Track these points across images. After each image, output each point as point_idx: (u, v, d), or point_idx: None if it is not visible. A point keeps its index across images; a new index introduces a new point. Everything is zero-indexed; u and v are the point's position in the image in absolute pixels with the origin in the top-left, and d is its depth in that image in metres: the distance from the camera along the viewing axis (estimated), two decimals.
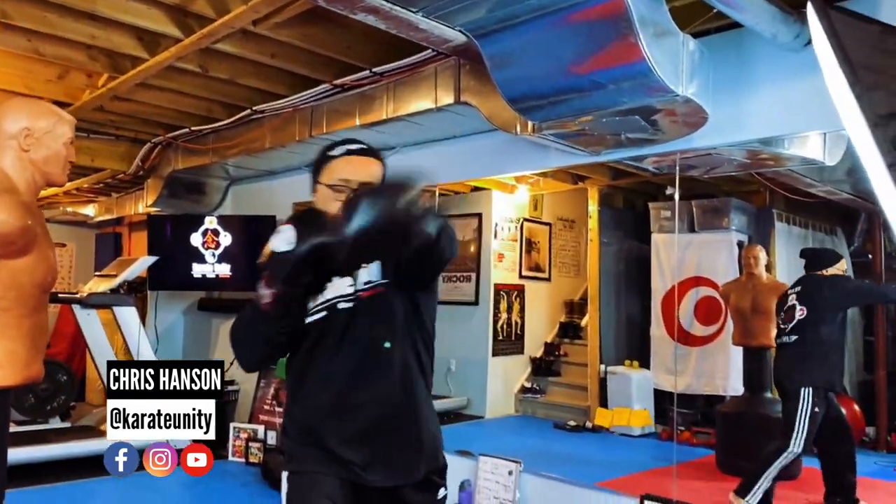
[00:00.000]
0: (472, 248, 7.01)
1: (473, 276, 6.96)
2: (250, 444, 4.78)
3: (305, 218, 1.58)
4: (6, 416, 1.78)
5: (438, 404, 6.70)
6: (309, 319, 1.59)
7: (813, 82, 2.37)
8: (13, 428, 4.99)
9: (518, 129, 3.12)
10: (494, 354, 6.84)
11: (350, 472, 1.56)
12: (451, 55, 3.15)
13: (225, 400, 5.36)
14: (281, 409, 4.91)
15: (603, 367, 5.98)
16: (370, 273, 1.62)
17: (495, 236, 6.93)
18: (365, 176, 1.59)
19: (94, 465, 4.47)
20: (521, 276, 7.17)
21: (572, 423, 5.73)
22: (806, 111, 2.73)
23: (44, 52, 3.58)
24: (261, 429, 4.88)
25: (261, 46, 3.50)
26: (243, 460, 4.78)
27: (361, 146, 1.67)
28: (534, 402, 6.91)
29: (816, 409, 3.33)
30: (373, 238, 1.35)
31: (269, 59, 3.60)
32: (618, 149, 3.27)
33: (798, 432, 3.33)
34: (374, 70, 3.62)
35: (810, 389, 3.34)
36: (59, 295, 4.86)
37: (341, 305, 1.59)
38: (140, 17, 3.21)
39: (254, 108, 4.32)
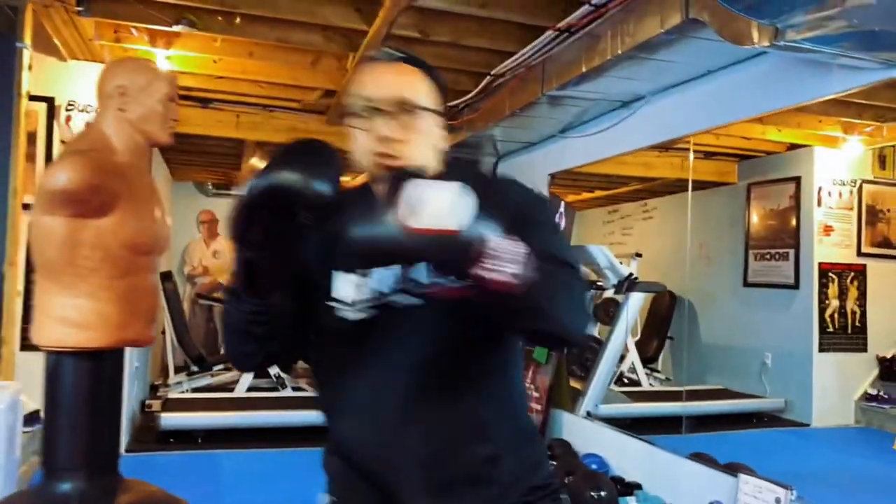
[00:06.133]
0: (790, 220, 5.79)
1: (791, 253, 5.74)
2: None
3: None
4: (98, 377, 1.77)
5: (748, 404, 5.71)
6: (352, 317, 1.10)
7: None
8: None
9: (756, 38, 2.28)
10: (822, 350, 5.56)
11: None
12: None
13: None
14: (538, 395, 4.57)
15: None
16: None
17: (819, 204, 5.61)
18: (395, 89, 1.09)
19: None
20: (859, 254, 5.71)
21: None
22: None
23: (288, 39, 3.77)
24: None
25: None
26: None
27: (391, 52, 1.16)
28: (881, 413, 5.47)
29: None
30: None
31: (479, 10, 3.28)
32: None
33: None
34: (593, 3, 3.06)
35: None
36: None
37: (401, 301, 1.09)
38: None
39: (491, 73, 4.05)
